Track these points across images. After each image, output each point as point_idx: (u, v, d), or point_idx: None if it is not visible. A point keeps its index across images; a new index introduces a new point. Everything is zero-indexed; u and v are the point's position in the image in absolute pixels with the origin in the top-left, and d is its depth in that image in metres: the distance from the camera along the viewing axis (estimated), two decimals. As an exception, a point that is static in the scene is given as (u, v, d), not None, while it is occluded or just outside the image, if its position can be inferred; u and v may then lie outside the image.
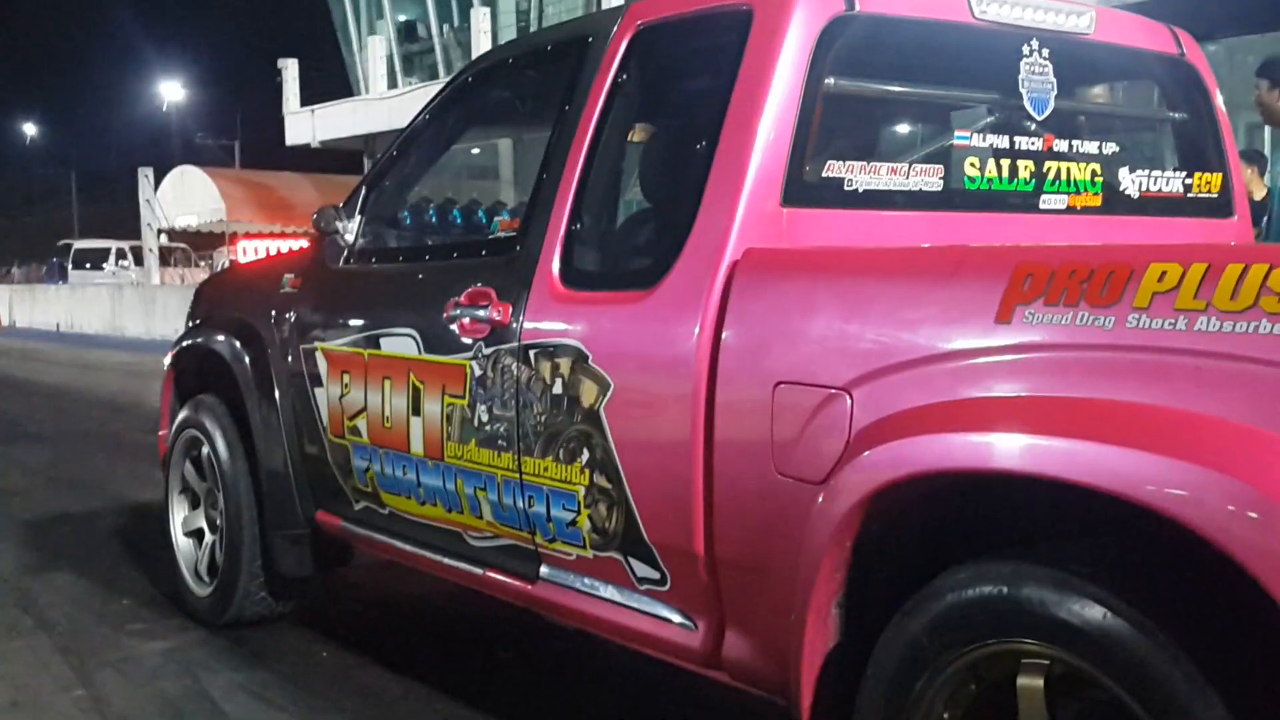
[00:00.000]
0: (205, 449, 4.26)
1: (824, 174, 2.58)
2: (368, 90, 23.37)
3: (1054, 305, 1.88)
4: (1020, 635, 1.88)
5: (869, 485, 2.08)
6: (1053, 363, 1.88)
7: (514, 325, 2.93)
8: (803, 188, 2.54)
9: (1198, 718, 1.64)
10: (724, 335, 2.42)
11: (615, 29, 2.97)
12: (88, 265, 33.60)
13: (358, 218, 3.75)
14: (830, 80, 2.59)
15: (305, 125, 24.25)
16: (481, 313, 3.03)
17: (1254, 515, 1.60)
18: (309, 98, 24.42)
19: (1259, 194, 8.58)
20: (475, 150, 18.88)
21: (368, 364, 3.51)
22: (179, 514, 4.50)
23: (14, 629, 4.23)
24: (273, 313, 4.02)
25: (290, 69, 24.46)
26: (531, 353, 2.87)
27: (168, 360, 4.65)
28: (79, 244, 36.41)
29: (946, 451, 1.98)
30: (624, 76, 2.93)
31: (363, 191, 3.79)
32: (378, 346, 3.47)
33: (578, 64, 3.04)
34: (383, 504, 3.55)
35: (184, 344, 4.50)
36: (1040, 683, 1.87)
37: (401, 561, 3.65)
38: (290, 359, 3.90)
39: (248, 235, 21.78)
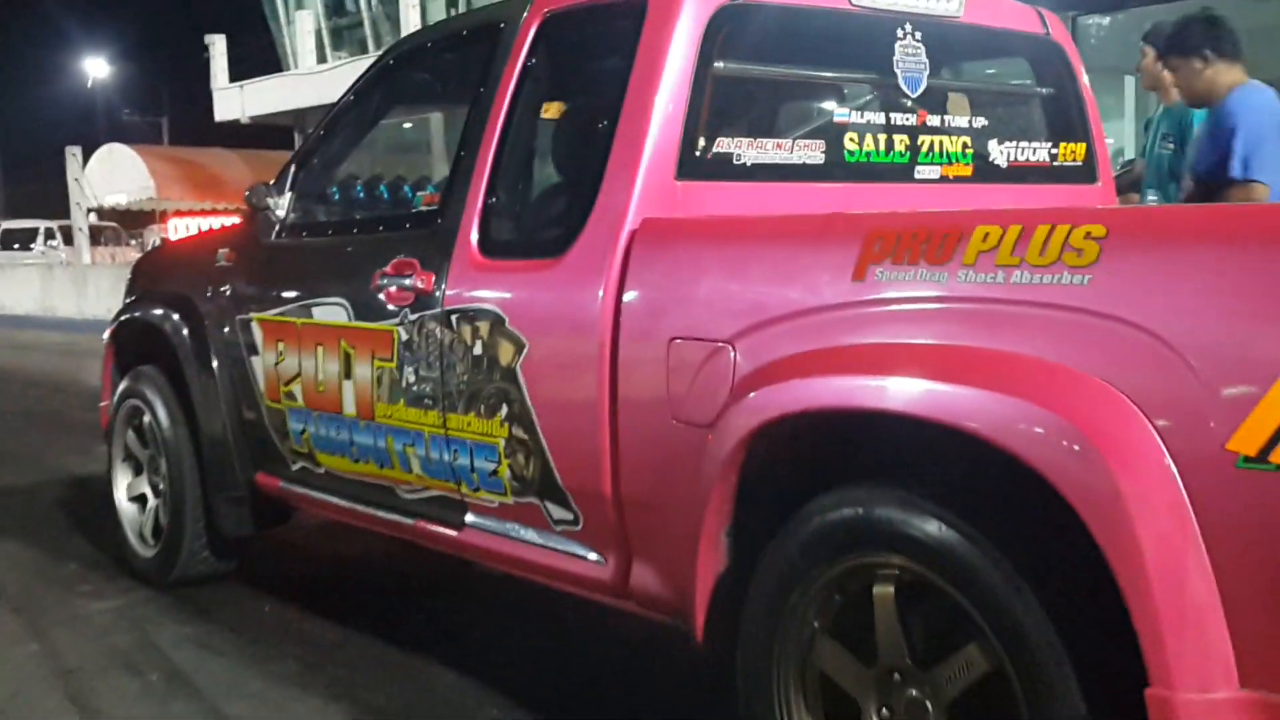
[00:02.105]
0: (147, 418, 4.46)
1: (715, 150, 2.85)
2: (297, 65, 23.32)
3: (899, 264, 2.17)
4: (875, 550, 2.17)
5: (749, 426, 2.36)
6: (899, 314, 2.17)
7: (437, 293, 3.17)
8: (695, 163, 2.80)
9: (1013, 608, 1.94)
10: (625, 297, 2.69)
11: (525, 16, 3.20)
12: (15, 246, 33.15)
13: (288, 194, 3.97)
14: (719, 64, 2.85)
15: (234, 101, 24.15)
16: (407, 282, 3.27)
17: (1063, 442, 1.89)
18: (238, 73, 24.31)
19: None
20: (407, 125, 18.95)
21: (300, 332, 3.73)
22: (122, 481, 4.69)
23: (-36, 595, 4.43)
24: (209, 286, 4.22)
25: (218, 44, 24.32)
26: (453, 318, 3.12)
27: (107, 334, 4.83)
28: (6, 224, 35.86)
29: (812, 393, 2.27)
30: (533, 60, 3.17)
31: (292, 169, 4.00)
32: (310, 315, 3.70)
33: (491, 48, 3.28)
34: (318, 464, 3.79)
35: (123, 318, 4.69)
36: (891, 590, 2.17)
37: (337, 518, 3.89)
38: (227, 329, 4.11)
39: (179, 213, 21.71)
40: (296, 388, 3.77)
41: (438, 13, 20.99)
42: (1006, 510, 2.01)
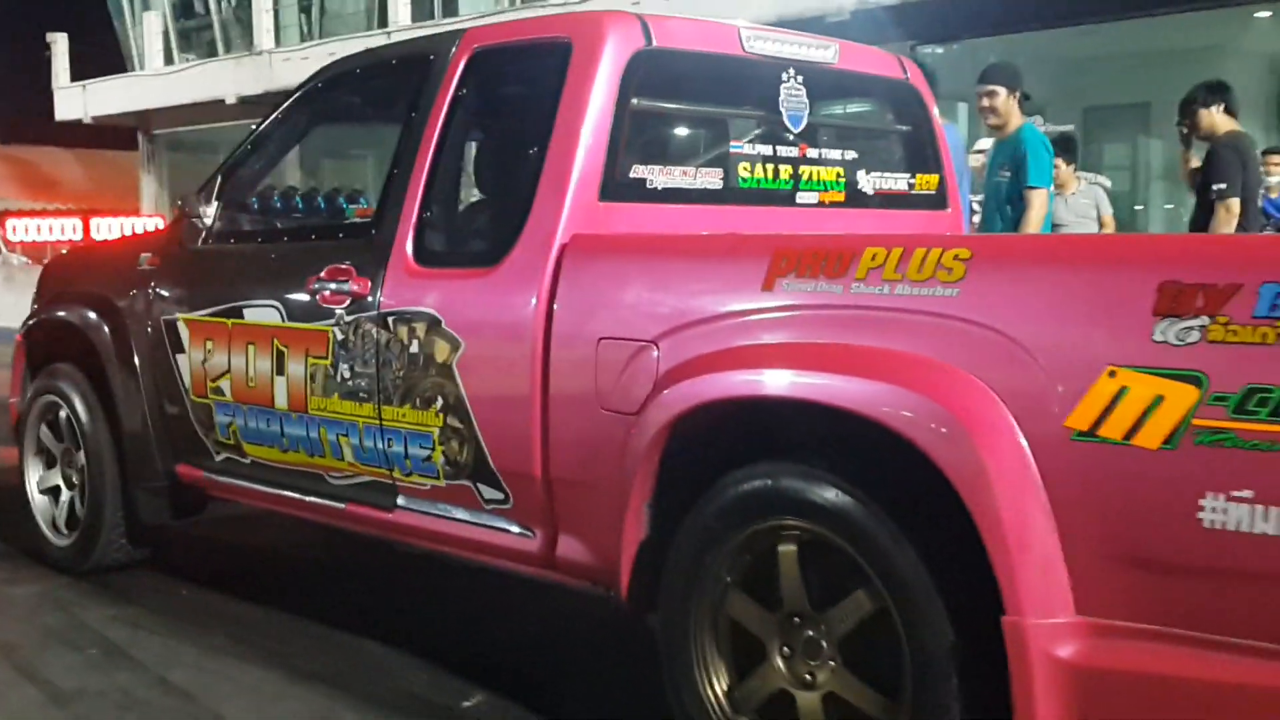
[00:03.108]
0: (64, 412, 4.66)
1: (631, 175, 3.27)
2: (143, 66, 22.92)
3: (802, 277, 2.62)
4: (780, 514, 2.62)
5: (671, 413, 2.78)
6: (801, 319, 2.62)
7: (373, 297, 3.52)
8: (616, 186, 3.22)
9: (895, 558, 2.41)
10: (556, 302, 3.09)
11: (454, 50, 3.57)
12: None
13: (215, 203, 4.24)
14: (635, 100, 3.27)
15: (76, 100, 23.60)
16: (342, 286, 3.60)
17: (937, 423, 2.36)
18: (81, 73, 23.76)
19: (1071, 188, 9.55)
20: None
21: (231, 331, 4.01)
22: (34, 474, 4.87)
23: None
24: (130, 288, 4.45)
25: (59, 43, 23.75)
26: (390, 319, 3.46)
27: (19, 334, 5.00)
28: None
29: (726, 385, 2.71)
30: (462, 90, 3.54)
31: (219, 180, 4.27)
32: (241, 316, 3.98)
33: (422, 78, 3.63)
34: (244, 454, 4.07)
35: (39, 318, 4.88)
36: (794, 548, 2.62)
37: (262, 504, 4.17)
38: (150, 329, 4.35)
39: (19, 213, 21.16)
40: (225, 383, 4.05)
41: (291, 18, 20.95)
42: (890, 478, 2.47)
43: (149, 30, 22.58)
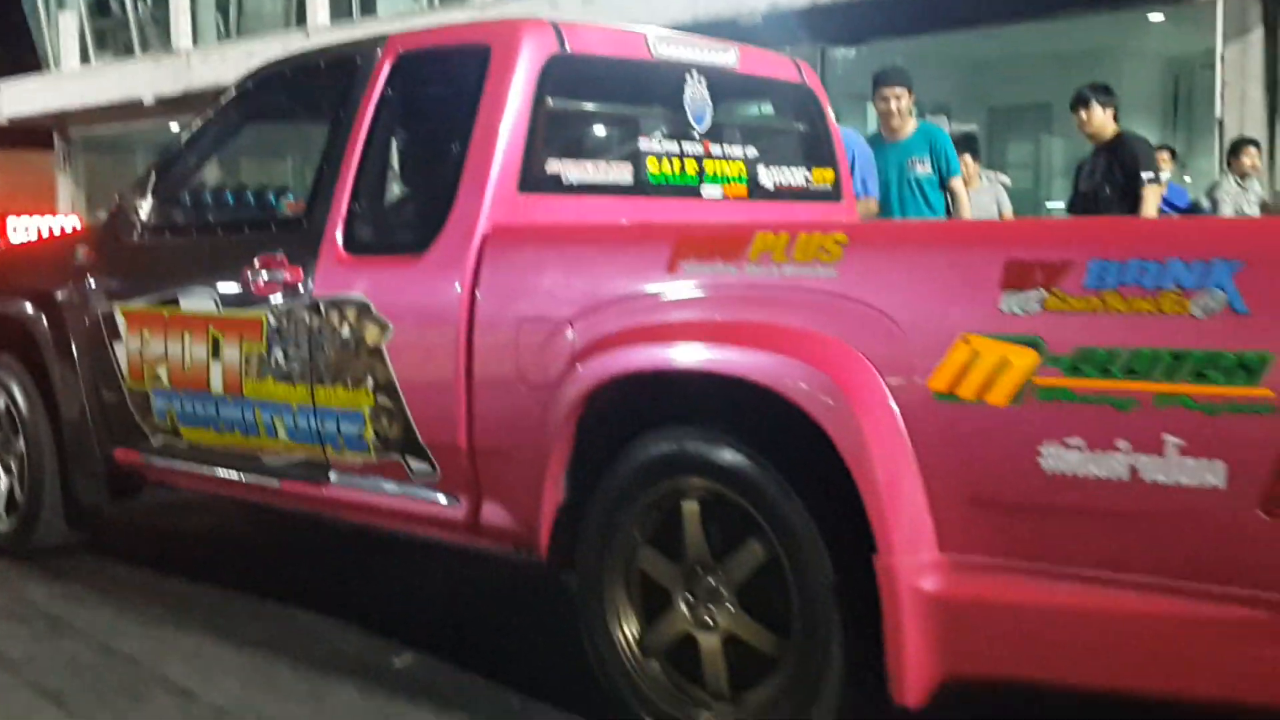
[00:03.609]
0: (2, 401, 4.83)
1: (547, 169, 3.54)
2: (59, 66, 22.71)
3: (702, 261, 2.91)
4: (685, 475, 2.91)
5: (585, 387, 3.05)
6: (702, 299, 2.91)
7: (305, 284, 3.75)
8: (533, 179, 3.48)
9: (785, 510, 2.70)
10: (479, 287, 3.34)
11: (379, 54, 3.82)
12: None
13: (149, 198, 4.44)
14: (550, 101, 3.54)
15: (-9, 101, 23.38)
16: (275, 275, 3.83)
17: (819, 387, 2.65)
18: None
19: (974, 185, 9.91)
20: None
21: (167, 320, 4.21)
22: (-28, 463, 5.02)
23: None
24: (67, 280, 4.63)
25: (-28, 40, 23.53)
26: (322, 305, 3.70)
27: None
28: None
29: (635, 360, 2.98)
30: (388, 91, 3.79)
31: (152, 176, 4.47)
32: (177, 305, 4.19)
33: (348, 80, 3.87)
34: (181, 437, 4.27)
35: (-26, 311, 5.02)
36: (696, 504, 2.91)
37: (198, 486, 4.38)
38: (87, 320, 4.53)
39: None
40: (162, 370, 4.25)
41: (208, 19, 20.89)
42: (780, 439, 2.77)
43: (64, 30, 22.38)
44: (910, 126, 6.11)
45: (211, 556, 4.92)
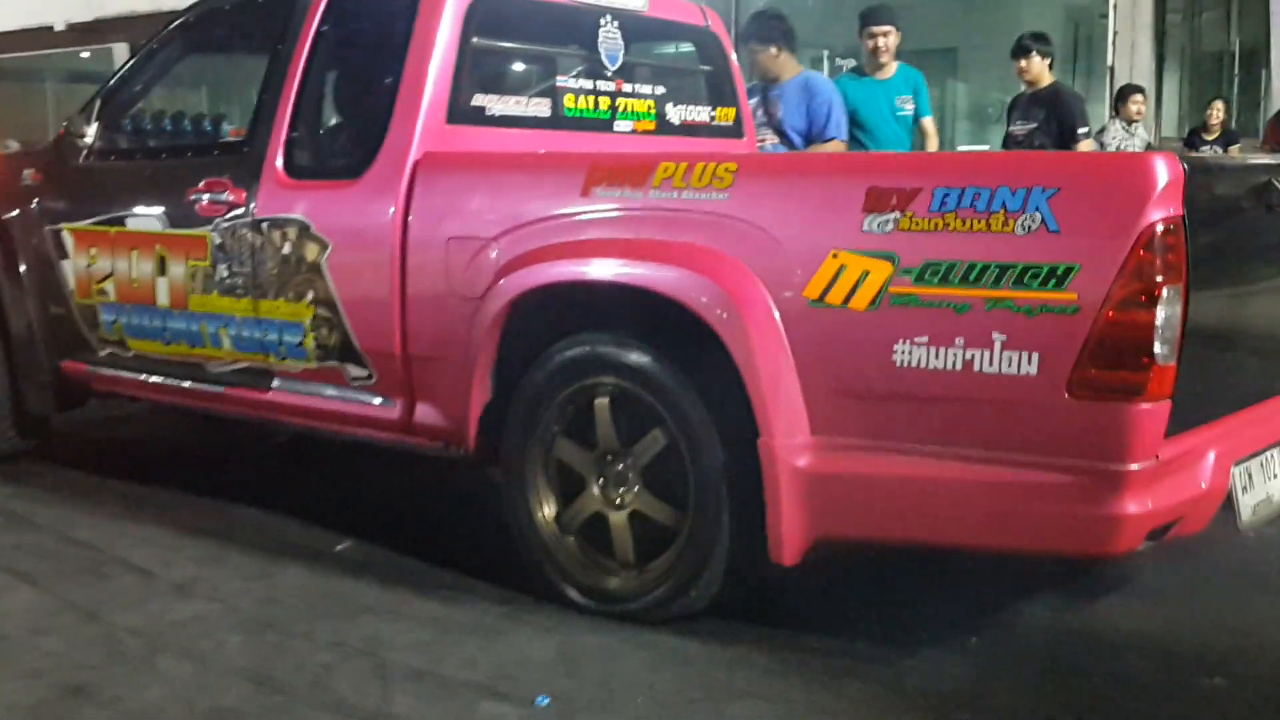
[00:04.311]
0: (-51, 320, 5.08)
1: (473, 103, 3.90)
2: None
3: (612, 186, 3.31)
4: (596, 374, 3.33)
5: (508, 296, 3.45)
6: (611, 220, 3.31)
7: (248, 205, 4.08)
8: (460, 111, 3.84)
9: (682, 402, 3.14)
10: (411, 209, 3.71)
11: (317, -9, 4.14)
12: None
13: (95, 124, 4.71)
14: (475, 39, 3.89)
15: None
16: (219, 197, 4.15)
17: (712, 296, 3.07)
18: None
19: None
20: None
21: (114, 239, 4.51)
22: (-81, 379, 5.28)
23: None
24: (14, 202, 4.89)
25: None
26: (264, 225, 4.03)
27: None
28: None
29: (552, 273, 3.38)
30: (325, 27, 4.11)
31: (98, 103, 4.75)
32: (123, 225, 4.49)
33: (287, 15, 4.18)
34: (128, 348, 4.59)
35: (-80, 230, 5.26)
36: (607, 400, 3.33)
37: (142, 394, 4.70)
38: (35, 239, 4.81)
39: None
40: (109, 285, 4.55)
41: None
42: (677, 341, 3.19)
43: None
44: (893, 67, 6.25)
45: (156, 463, 5.25)
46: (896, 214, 2.83)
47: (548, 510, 3.48)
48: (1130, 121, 9.95)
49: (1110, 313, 2.58)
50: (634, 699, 2.89)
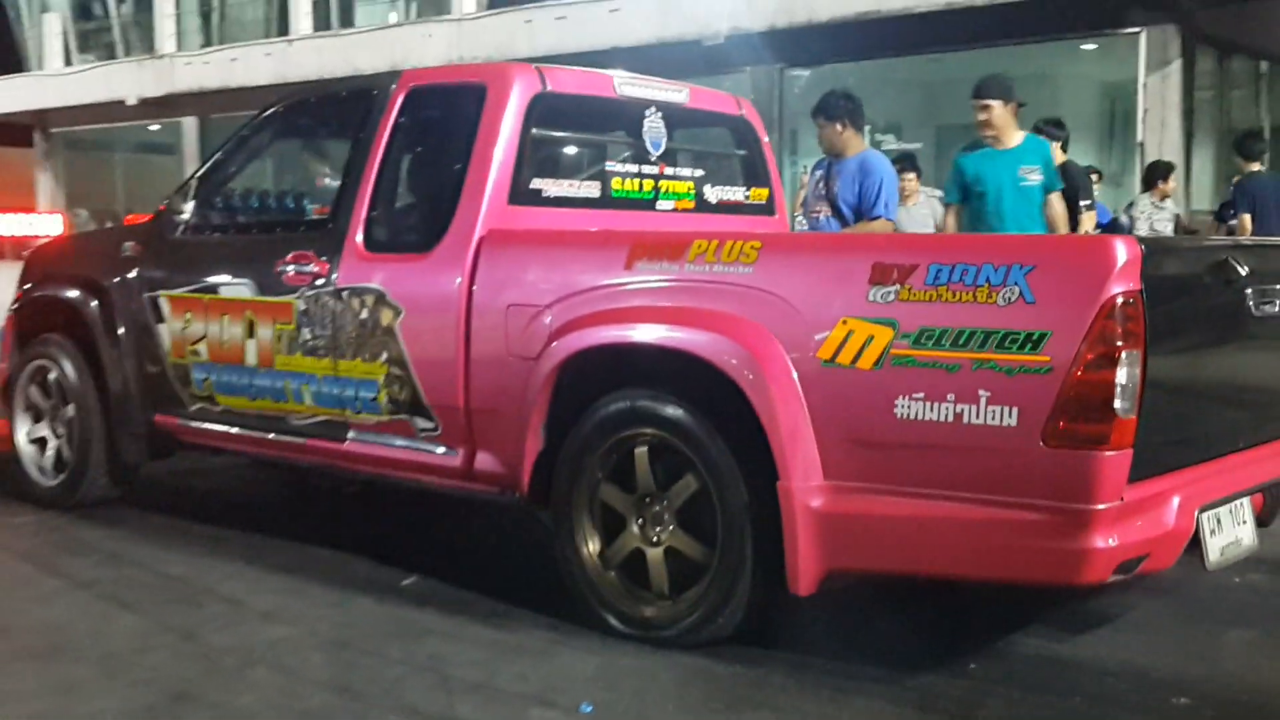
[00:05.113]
0: (53, 374, 5.60)
1: (531, 185, 4.39)
2: (42, 66, 23.38)
3: (651, 260, 3.78)
4: (637, 426, 3.77)
5: (560, 357, 3.91)
6: (650, 290, 3.77)
7: (331, 275, 4.58)
8: (520, 193, 4.33)
9: (712, 451, 3.57)
10: (475, 279, 4.19)
11: (394, 86, 4.66)
12: None
13: (191, 201, 5.26)
14: (534, 130, 4.39)
15: (-27, 98, 24.05)
16: (305, 267, 4.66)
17: (739, 358, 3.52)
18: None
19: (914, 200, 10.61)
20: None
21: (207, 305, 5.03)
22: (23, 427, 5.79)
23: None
24: (114, 271, 5.43)
25: (-43, 41, 24.24)
26: (344, 293, 4.53)
27: (11, 309, 5.95)
28: None
29: (598, 337, 3.84)
30: (402, 118, 4.63)
31: (194, 183, 5.29)
32: (216, 292, 5.01)
33: (367, 108, 4.71)
34: (217, 404, 5.09)
35: (31, 297, 5.82)
36: (645, 449, 3.77)
37: (229, 445, 5.18)
38: (134, 305, 5.34)
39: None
40: (201, 346, 5.06)
41: (191, 24, 21.59)
42: (708, 397, 3.63)
43: (48, 31, 23.05)
44: (1017, 137, 6.19)
45: (235, 509, 5.73)
46: (897, 286, 3.26)
47: (592, 547, 3.91)
48: (1163, 197, 10.30)
49: (1078, 373, 3.00)
50: (665, 708, 3.31)
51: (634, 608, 3.82)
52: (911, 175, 10.37)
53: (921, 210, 10.38)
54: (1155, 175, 10.45)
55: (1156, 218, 10.28)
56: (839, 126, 6.11)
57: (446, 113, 4.67)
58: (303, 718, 3.26)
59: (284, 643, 3.83)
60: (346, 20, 19.41)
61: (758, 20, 14.23)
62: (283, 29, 19.73)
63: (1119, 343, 2.99)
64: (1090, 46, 13.86)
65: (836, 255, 3.56)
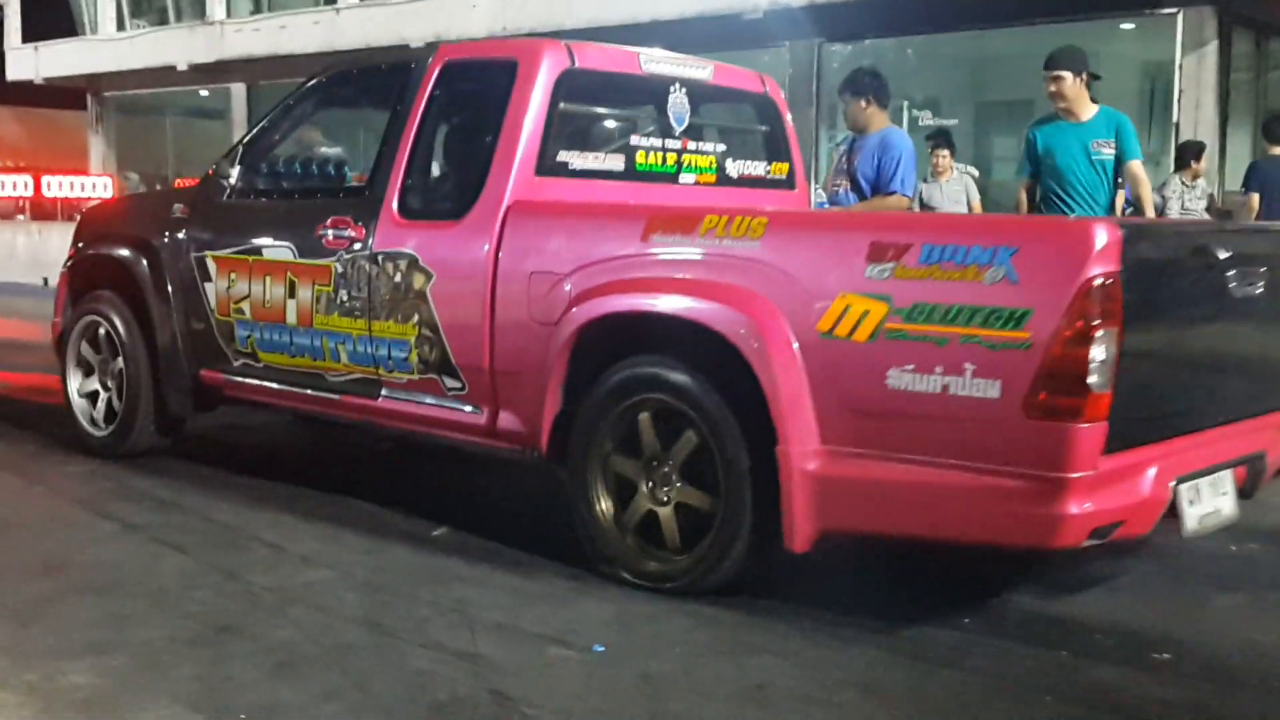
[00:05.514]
0: (103, 329, 5.89)
1: (558, 158, 4.59)
2: (95, 30, 23.75)
3: (666, 233, 3.98)
4: (645, 392, 3.99)
5: (578, 323, 4.12)
6: (664, 262, 3.98)
7: (367, 240, 4.81)
8: (547, 165, 4.54)
9: (714, 412, 3.78)
10: (502, 247, 4.41)
11: (431, 60, 4.88)
12: None
13: (237, 167, 5.51)
14: (562, 104, 4.59)
15: (28, 61, 24.27)
16: (343, 232, 4.90)
17: (743, 327, 3.72)
18: (33, 35, 24.56)
19: (947, 176, 10.62)
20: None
21: (251, 266, 5.28)
22: (75, 381, 6.08)
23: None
24: (164, 231, 5.70)
25: (12, 4, 24.53)
26: (379, 257, 4.76)
27: (64, 267, 6.25)
28: None
29: (614, 305, 4.05)
30: (436, 91, 4.85)
31: (240, 150, 5.54)
32: (260, 254, 5.26)
33: (404, 80, 4.93)
34: (259, 360, 5.35)
35: (84, 255, 6.11)
36: (649, 414, 3.99)
37: (270, 400, 5.44)
38: (181, 264, 5.61)
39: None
40: (245, 305, 5.32)
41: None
42: (713, 364, 3.83)
43: (102, -4, 23.46)
44: (1091, 109, 6.09)
45: (277, 463, 6.00)
46: (893, 264, 3.45)
47: (605, 504, 4.14)
48: (1194, 177, 10.33)
49: (1056, 349, 3.18)
50: (673, 650, 3.54)
51: (642, 562, 4.04)
52: (945, 152, 10.47)
53: (954, 187, 10.46)
54: (1187, 155, 10.48)
55: (1188, 197, 10.31)
56: (863, 103, 6.22)
57: (479, 86, 4.88)
58: (336, 650, 3.51)
59: (321, 584, 4.09)
60: (395, -12, 19.57)
61: (798, -6, 14.25)
62: (331, -1, 19.96)
63: (1095, 322, 3.16)
64: (1129, 26, 13.77)
65: (837, 233, 3.75)
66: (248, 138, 5.60)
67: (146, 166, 24.67)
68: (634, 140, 4.90)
